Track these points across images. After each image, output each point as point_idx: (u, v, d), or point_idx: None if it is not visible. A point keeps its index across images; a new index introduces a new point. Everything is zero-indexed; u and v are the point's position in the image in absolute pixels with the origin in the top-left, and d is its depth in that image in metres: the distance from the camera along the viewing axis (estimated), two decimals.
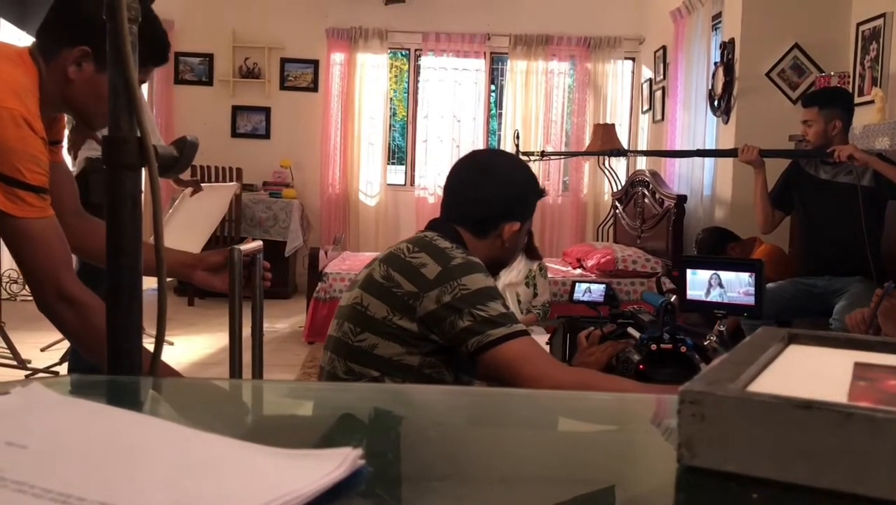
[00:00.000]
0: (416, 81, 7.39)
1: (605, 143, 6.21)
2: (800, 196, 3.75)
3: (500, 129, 7.47)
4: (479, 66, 7.27)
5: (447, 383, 1.51)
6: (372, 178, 7.19)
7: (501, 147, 7.28)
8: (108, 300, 0.85)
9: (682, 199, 5.18)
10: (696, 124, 5.59)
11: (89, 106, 1.51)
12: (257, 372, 1.63)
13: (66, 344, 3.64)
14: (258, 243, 1.65)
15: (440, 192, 7.23)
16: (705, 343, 1.55)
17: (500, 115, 7.46)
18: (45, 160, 1.38)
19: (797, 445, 0.41)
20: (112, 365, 0.78)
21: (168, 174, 0.93)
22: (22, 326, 4.52)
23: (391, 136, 7.82)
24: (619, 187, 6.62)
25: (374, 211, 7.13)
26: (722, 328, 1.60)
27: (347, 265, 5.35)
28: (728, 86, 4.99)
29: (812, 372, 0.56)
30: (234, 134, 7.18)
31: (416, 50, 7.34)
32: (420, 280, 1.48)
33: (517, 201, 1.67)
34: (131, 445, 0.43)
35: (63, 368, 3.65)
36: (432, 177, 7.22)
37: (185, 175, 4.20)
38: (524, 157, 3.87)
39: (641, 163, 6.74)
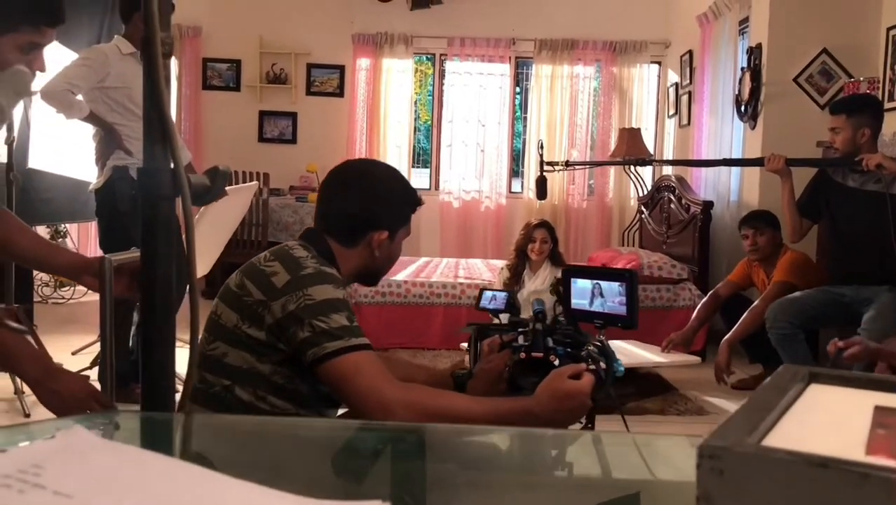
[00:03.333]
0: (441, 86, 7.41)
1: (631, 148, 6.19)
2: (827, 204, 3.72)
3: (524, 133, 7.48)
4: (504, 70, 7.28)
5: (301, 393, 1.50)
6: None
7: (526, 154, 7.29)
8: (142, 326, 0.88)
9: (708, 205, 5.14)
10: (722, 130, 5.55)
11: None
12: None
13: (96, 348, 3.70)
14: None
15: (465, 196, 7.32)
16: (582, 353, 1.54)
17: (525, 119, 7.46)
18: None
19: (814, 504, 0.42)
20: (148, 391, 0.80)
21: (200, 203, 0.95)
22: (54, 330, 4.61)
23: (416, 138, 7.85)
24: (645, 192, 6.59)
25: None
26: (602, 337, 1.59)
27: None
28: (755, 91, 4.96)
29: (831, 418, 0.56)
30: (261, 139, 7.26)
31: (441, 54, 7.36)
32: (269, 289, 1.47)
33: (384, 210, 1.66)
34: (168, 493, 0.45)
35: (94, 372, 3.71)
36: (457, 181, 7.25)
37: None
38: (549, 168, 3.87)
39: (668, 168, 6.71)
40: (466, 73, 7.22)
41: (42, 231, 5.96)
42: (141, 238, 0.93)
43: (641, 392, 3.94)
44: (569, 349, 1.55)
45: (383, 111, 7.19)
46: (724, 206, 5.43)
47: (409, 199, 1.72)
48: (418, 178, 7.71)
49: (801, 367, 0.67)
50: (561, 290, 1.70)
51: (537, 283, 4.30)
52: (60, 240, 6.26)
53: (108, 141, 3.53)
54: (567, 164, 4.17)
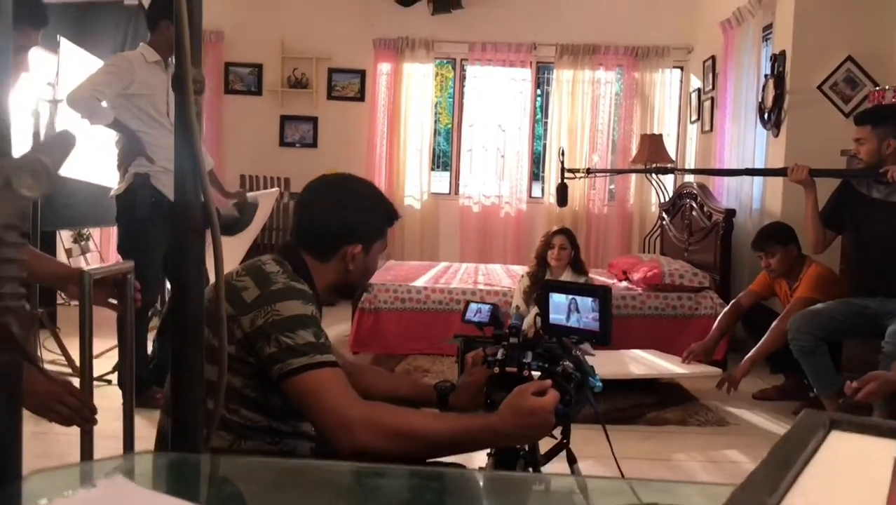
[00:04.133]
0: (462, 90, 7.43)
1: (652, 154, 6.17)
2: (851, 216, 3.69)
3: (545, 138, 7.47)
4: (525, 75, 7.28)
5: (275, 406, 1.50)
6: (418, 187, 7.24)
7: (546, 158, 7.29)
8: (172, 358, 0.90)
9: (730, 213, 5.11)
10: (745, 136, 5.52)
11: None
12: (128, 393, 1.73)
13: (117, 352, 3.75)
14: (129, 264, 1.69)
15: (485, 200, 7.32)
16: (558, 368, 1.53)
17: (546, 123, 7.45)
18: None
19: None
20: (177, 432, 0.82)
21: (229, 233, 0.97)
22: (77, 333, 4.64)
23: (436, 142, 7.86)
24: (667, 199, 6.56)
25: (420, 219, 7.18)
26: (578, 352, 1.59)
27: (392, 275, 5.40)
28: (778, 98, 4.93)
29: (851, 472, 0.57)
30: (282, 143, 7.30)
31: (461, 59, 7.38)
32: (239, 303, 1.47)
33: (356, 224, 1.66)
34: None
35: (115, 377, 3.75)
36: (477, 186, 7.26)
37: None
38: (569, 175, 3.87)
39: (690, 175, 6.68)
40: (487, 78, 7.23)
41: (65, 235, 6.04)
42: (171, 272, 0.95)
43: (661, 402, 3.93)
44: (545, 364, 1.55)
45: (404, 115, 7.22)
46: (747, 214, 5.39)
47: (383, 213, 1.72)
48: (438, 183, 7.72)
49: (821, 413, 0.67)
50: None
51: None
52: (83, 243, 6.33)
53: (130, 148, 3.56)
54: (588, 171, 4.17)
